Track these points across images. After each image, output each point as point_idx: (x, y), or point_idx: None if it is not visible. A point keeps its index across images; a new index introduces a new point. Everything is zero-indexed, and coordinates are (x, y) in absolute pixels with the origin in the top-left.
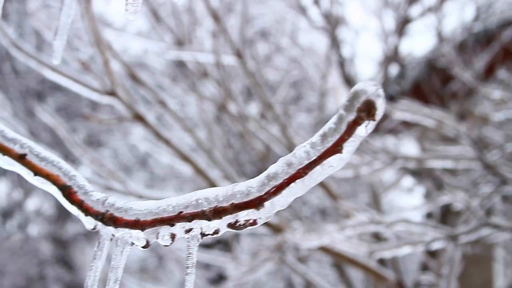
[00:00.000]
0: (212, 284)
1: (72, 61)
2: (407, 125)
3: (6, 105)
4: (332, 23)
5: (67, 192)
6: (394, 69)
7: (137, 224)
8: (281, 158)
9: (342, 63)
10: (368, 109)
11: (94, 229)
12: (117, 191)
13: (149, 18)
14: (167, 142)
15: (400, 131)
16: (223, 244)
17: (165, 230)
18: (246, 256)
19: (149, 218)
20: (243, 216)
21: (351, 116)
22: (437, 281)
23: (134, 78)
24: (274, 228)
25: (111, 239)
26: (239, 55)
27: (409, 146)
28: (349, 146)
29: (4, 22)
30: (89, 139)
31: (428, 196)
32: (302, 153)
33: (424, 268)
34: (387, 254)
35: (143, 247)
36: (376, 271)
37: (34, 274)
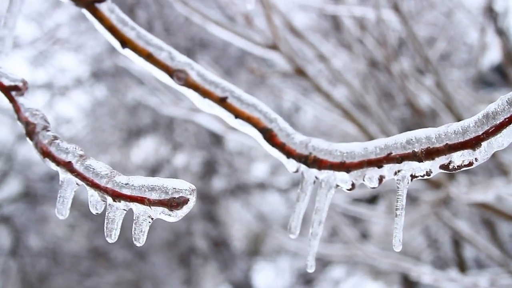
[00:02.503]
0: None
1: (235, 15)
2: None
3: None
4: None
5: (268, 134)
6: None
7: (342, 166)
8: (501, 97)
9: (495, 18)
10: None
11: (296, 171)
12: None
13: None
14: (327, 96)
15: None
16: (365, 201)
17: (372, 172)
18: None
19: (355, 160)
20: (457, 157)
21: None
22: None
23: (294, 32)
24: (433, 183)
25: (314, 181)
26: (396, 8)
27: None
28: None
29: None
30: None
31: None
32: None
33: None
34: None
35: (348, 189)
36: None
37: (182, 229)
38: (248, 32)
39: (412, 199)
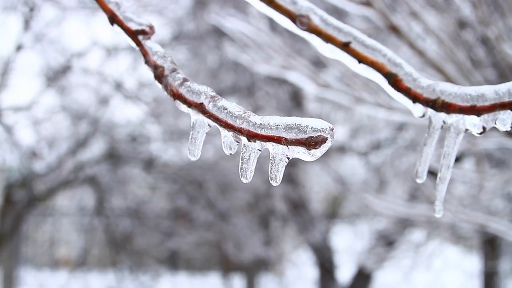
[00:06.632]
0: None
1: None
2: None
3: None
4: None
5: (393, 79)
6: None
7: (473, 110)
8: None
9: None
10: None
11: (423, 116)
12: (368, 102)
13: None
14: (421, 53)
15: None
16: None
17: (505, 115)
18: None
19: (487, 103)
20: None
21: None
22: None
23: None
24: None
25: (442, 126)
26: None
27: None
28: None
29: None
30: (316, 59)
31: None
32: None
33: None
34: None
35: (479, 133)
36: None
37: (262, 191)
38: None
39: (500, 161)
